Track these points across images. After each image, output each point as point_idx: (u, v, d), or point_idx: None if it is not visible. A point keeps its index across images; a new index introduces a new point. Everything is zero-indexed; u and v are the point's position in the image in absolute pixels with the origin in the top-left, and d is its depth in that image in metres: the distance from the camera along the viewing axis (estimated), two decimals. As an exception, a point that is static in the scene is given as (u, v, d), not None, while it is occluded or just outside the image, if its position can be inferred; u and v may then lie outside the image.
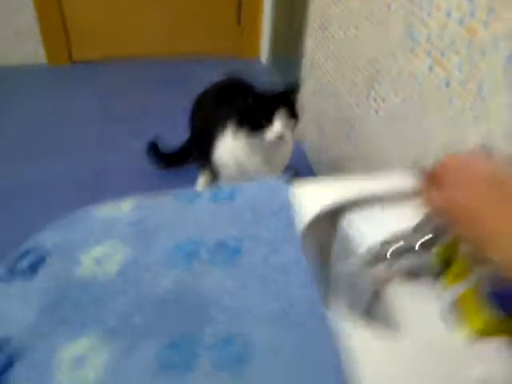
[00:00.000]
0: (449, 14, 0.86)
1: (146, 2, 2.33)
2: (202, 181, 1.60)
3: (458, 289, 0.60)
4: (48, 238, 0.66)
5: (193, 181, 1.65)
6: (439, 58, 0.89)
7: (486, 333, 0.57)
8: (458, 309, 0.60)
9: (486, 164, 0.49)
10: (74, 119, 2.00)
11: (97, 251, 0.64)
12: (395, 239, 0.64)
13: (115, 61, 2.42)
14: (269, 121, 1.14)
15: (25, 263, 0.62)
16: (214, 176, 1.45)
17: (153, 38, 2.44)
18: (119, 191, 1.55)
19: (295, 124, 1.18)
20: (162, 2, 2.35)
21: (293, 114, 1.17)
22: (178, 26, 2.43)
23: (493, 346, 0.56)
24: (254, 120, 1.15)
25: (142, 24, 2.39)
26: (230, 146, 1.25)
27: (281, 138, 1.15)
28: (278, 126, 1.13)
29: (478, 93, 0.78)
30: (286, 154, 1.30)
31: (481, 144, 0.78)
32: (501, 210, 0.45)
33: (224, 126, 1.27)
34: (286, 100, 1.17)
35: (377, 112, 1.17)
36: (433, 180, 0.51)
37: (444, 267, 0.64)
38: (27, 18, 2.21)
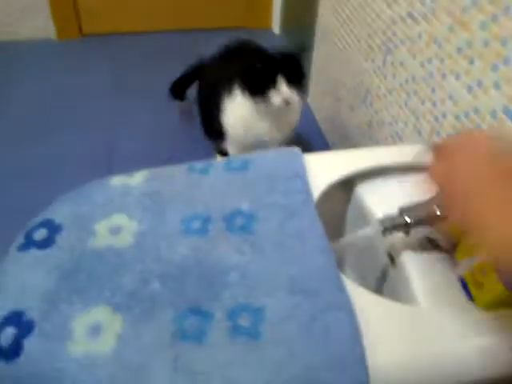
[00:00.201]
0: (470, -30, 0.82)
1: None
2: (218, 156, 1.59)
3: (470, 262, 0.59)
4: (63, 209, 0.66)
5: (206, 156, 1.64)
6: (460, 16, 0.86)
7: (495, 305, 0.56)
8: (469, 281, 0.59)
9: (492, 144, 0.47)
10: (85, 93, 1.99)
11: (111, 221, 0.64)
12: (413, 208, 0.63)
13: (125, 34, 2.40)
14: (275, 84, 1.12)
15: (41, 233, 0.62)
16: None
17: (162, 11, 2.40)
18: (132, 164, 1.56)
19: (302, 87, 1.16)
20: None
21: (300, 77, 1.15)
22: (185, 1, 2.38)
23: (502, 318, 0.55)
24: (259, 83, 1.14)
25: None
26: (237, 108, 1.24)
27: (287, 101, 1.13)
28: (284, 89, 1.12)
29: (502, 53, 0.75)
30: (294, 117, 1.29)
31: (504, 109, 0.76)
32: (493, 195, 0.44)
33: (231, 88, 1.25)
34: (292, 63, 1.15)
35: (394, 77, 1.14)
36: (441, 154, 0.51)
37: (458, 239, 0.63)
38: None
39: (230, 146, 1.37)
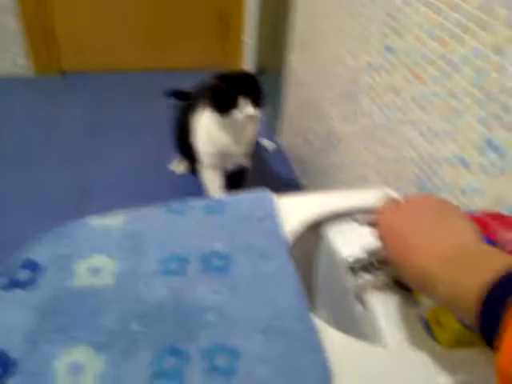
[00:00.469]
0: (420, 28, 0.90)
1: (134, 16, 2.36)
2: (179, 164, 1.78)
3: (429, 303, 0.63)
4: (45, 249, 0.68)
5: (180, 191, 1.68)
6: (415, 70, 0.94)
7: (457, 343, 0.60)
8: (431, 320, 0.64)
9: (441, 202, 0.52)
10: (63, 128, 2.01)
11: (91, 262, 0.66)
12: (378, 249, 0.67)
13: (105, 72, 2.44)
14: (237, 101, 1.25)
15: (23, 273, 0.63)
16: (191, 162, 1.59)
17: (142, 51, 2.48)
18: (105, 202, 1.58)
19: (261, 103, 1.31)
20: (148, 17, 2.38)
21: (259, 95, 1.30)
22: (162, 41, 2.47)
23: (463, 356, 0.59)
24: (223, 100, 1.27)
25: (130, 38, 2.43)
26: (204, 124, 1.38)
27: (250, 117, 1.27)
28: (247, 106, 1.26)
29: (452, 107, 0.83)
30: (253, 130, 1.45)
31: (456, 156, 0.83)
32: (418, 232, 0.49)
33: (199, 109, 1.40)
34: (252, 82, 1.29)
35: (360, 124, 1.22)
36: (392, 206, 0.56)
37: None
38: (11, 28, 2.22)
39: (204, 171, 1.49)
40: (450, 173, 0.85)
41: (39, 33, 2.26)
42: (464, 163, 0.81)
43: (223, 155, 1.43)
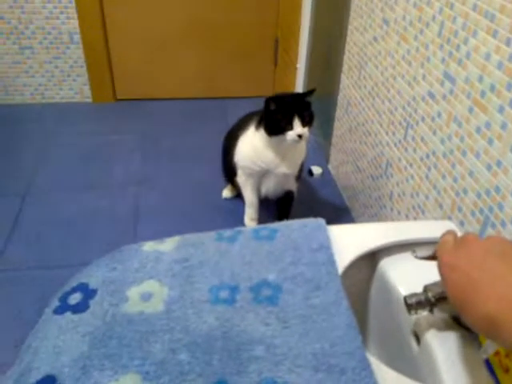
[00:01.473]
0: (487, 57, 0.87)
1: (186, 46, 2.44)
2: (226, 190, 1.81)
3: (493, 344, 0.59)
4: (97, 273, 0.69)
5: (229, 219, 1.69)
6: (479, 99, 0.90)
7: None
8: (494, 363, 0.59)
9: (502, 241, 0.49)
10: (116, 154, 2.08)
11: (143, 288, 0.67)
12: (437, 285, 0.64)
13: (156, 100, 2.53)
14: (289, 122, 1.28)
15: (76, 297, 0.64)
16: (238, 189, 1.62)
17: (192, 80, 2.54)
18: (157, 227, 1.61)
19: (311, 124, 1.32)
20: (201, 47, 2.45)
21: (310, 115, 1.31)
22: (216, 70, 2.53)
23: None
24: (275, 122, 1.29)
25: (182, 67, 2.49)
26: (250, 139, 1.40)
27: (300, 137, 1.29)
28: (297, 127, 1.28)
29: (520, 135, 0.79)
30: (301, 151, 1.45)
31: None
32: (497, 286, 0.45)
33: (247, 130, 1.43)
34: (303, 103, 1.31)
35: (415, 151, 1.18)
36: (454, 243, 0.53)
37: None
38: (76, 59, 2.35)
39: (239, 176, 1.53)
40: (515, 205, 0.80)
41: (98, 62, 2.38)
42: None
43: (268, 174, 1.44)
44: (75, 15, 2.23)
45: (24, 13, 2.19)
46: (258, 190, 1.54)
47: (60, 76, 2.40)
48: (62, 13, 2.22)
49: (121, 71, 2.46)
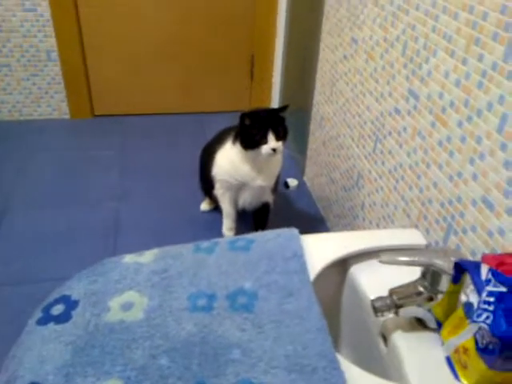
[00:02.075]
0: (446, 75, 0.93)
1: (163, 62, 2.47)
2: (204, 203, 1.84)
3: (453, 342, 0.64)
4: (79, 286, 0.71)
5: (209, 230, 1.72)
6: (440, 115, 0.96)
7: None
8: (455, 360, 0.64)
9: None
10: (94, 169, 2.09)
11: (123, 298, 0.70)
12: (401, 289, 0.68)
13: (134, 115, 2.55)
14: (264, 137, 1.33)
15: (59, 308, 0.67)
16: (216, 202, 1.65)
17: (169, 96, 2.57)
18: (137, 240, 1.63)
19: (286, 138, 1.38)
20: (178, 63, 2.49)
21: (284, 130, 1.37)
22: (193, 86, 2.57)
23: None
24: (250, 137, 1.35)
25: (159, 83, 2.52)
26: (227, 153, 1.45)
27: (275, 151, 1.34)
28: (271, 141, 1.33)
29: (477, 149, 0.84)
30: (276, 164, 1.51)
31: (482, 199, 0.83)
32: None
33: (223, 144, 1.48)
34: (277, 118, 1.37)
35: (384, 164, 1.24)
36: None
37: (443, 319, 0.68)
38: (54, 76, 2.37)
39: (217, 189, 1.57)
40: (475, 214, 0.85)
41: (76, 79, 2.40)
42: (489, 205, 0.81)
43: (245, 187, 1.48)
44: (53, 33, 2.25)
45: (1, 31, 2.21)
46: (236, 202, 1.58)
47: (38, 93, 2.40)
48: (39, 31, 2.24)
49: (98, 87, 2.48)
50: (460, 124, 0.90)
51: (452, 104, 0.92)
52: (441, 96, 0.96)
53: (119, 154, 2.22)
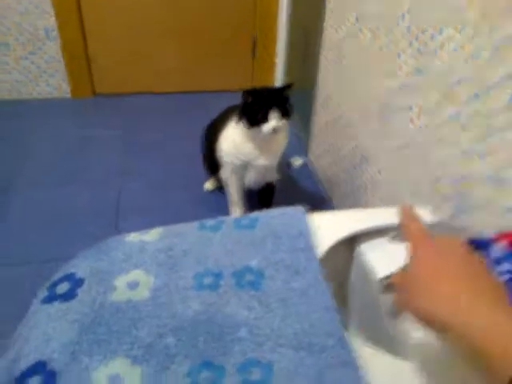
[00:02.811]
0: (455, 51, 0.91)
1: (165, 40, 2.43)
2: (208, 183, 1.83)
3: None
4: (84, 264, 0.70)
5: (211, 209, 1.71)
6: (448, 91, 0.94)
7: None
8: None
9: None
10: (97, 147, 2.08)
11: (129, 277, 0.69)
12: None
13: (136, 94, 2.52)
14: (265, 115, 1.30)
15: (64, 287, 0.66)
16: (220, 181, 1.65)
17: (171, 75, 2.54)
18: (140, 220, 1.62)
19: (289, 117, 1.35)
20: (180, 41, 2.45)
21: (287, 109, 1.34)
22: (195, 65, 2.54)
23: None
24: (252, 114, 1.32)
25: (161, 61, 2.49)
26: (231, 133, 1.43)
27: (276, 130, 1.32)
28: (273, 120, 1.30)
29: (489, 125, 0.82)
30: (281, 143, 1.47)
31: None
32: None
33: (227, 125, 1.46)
34: (280, 96, 1.34)
35: (390, 142, 1.22)
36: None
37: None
38: (53, 54, 2.33)
39: (223, 172, 1.55)
40: (486, 192, 0.84)
41: (76, 58, 2.36)
42: (500, 182, 0.80)
43: (247, 165, 1.46)
44: (51, 10, 2.21)
45: (-1, 9, 2.17)
46: (242, 187, 1.56)
47: (36, 72, 2.37)
48: (37, 8, 2.20)
49: (99, 66, 2.44)
50: (471, 99, 0.87)
51: (461, 80, 0.90)
52: (450, 71, 0.93)
53: (121, 133, 2.20)
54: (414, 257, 0.51)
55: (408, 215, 0.57)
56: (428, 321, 0.46)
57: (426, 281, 0.47)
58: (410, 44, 1.07)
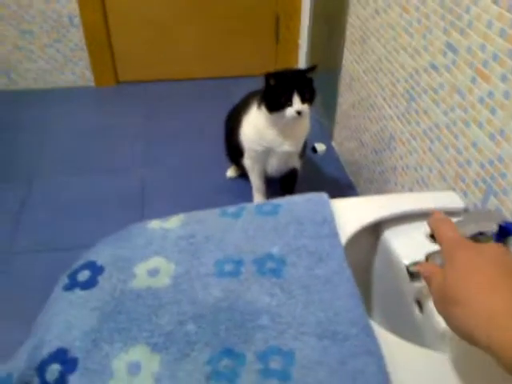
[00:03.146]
0: (490, 25, 0.86)
1: (187, 26, 2.41)
2: (231, 170, 1.81)
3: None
4: (105, 251, 0.70)
5: (234, 197, 1.70)
6: (482, 69, 0.89)
7: None
8: None
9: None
10: (120, 137, 2.09)
11: (150, 264, 0.68)
12: (439, 253, 0.64)
13: (158, 81, 2.52)
14: (288, 99, 1.27)
15: (84, 274, 0.66)
16: (242, 169, 1.63)
17: (193, 61, 2.52)
18: (162, 207, 1.63)
19: (312, 101, 1.32)
20: (202, 27, 2.43)
21: (311, 92, 1.30)
22: (217, 50, 2.51)
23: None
24: (275, 98, 1.29)
25: (183, 48, 2.47)
26: (253, 119, 1.41)
27: (299, 114, 1.28)
28: (296, 103, 1.27)
29: (522, 103, 0.78)
30: (303, 128, 1.44)
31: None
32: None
33: (249, 110, 1.43)
34: (304, 79, 1.30)
35: (418, 124, 1.17)
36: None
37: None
38: (77, 42, 2.34)
39: (246, 159, 1.53)
40: (518, 174, 0.80)
41: (99, 45, 2.37)
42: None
43: (269, 151, 1.43)
44: (74, -2, 2.22)
45: (23, -3, 2.18)
46: (264, 174, 1.54)
47: (62, 60, 2.39)
48: (60, -5, 2.21)
49: (122, 53, 2.45)
50: (504, 78, 0.83)
51: (495, 56, 0.85)
52: (483, 48, 0.89)
53: (145, 120, 2.21)
54: (450, 263, 0.48)
55: (439, 219, 0.54)
56: (463, 335, 0.45)
57: (463, 293, 0.45)
58: (443, 17, 1.02)
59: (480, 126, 0.91)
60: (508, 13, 0.81)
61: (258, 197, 1.60)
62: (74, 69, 2.42)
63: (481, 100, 0.90)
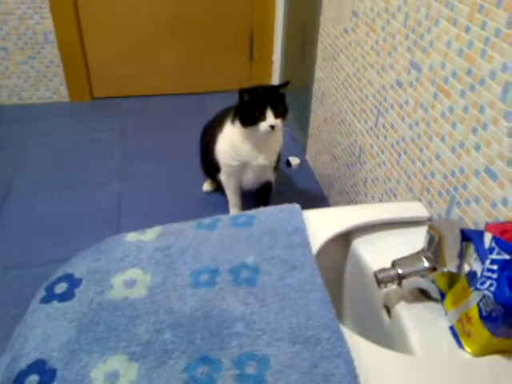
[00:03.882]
0: (449, 45, 0.91)
1: (162, 43, 2.44)
2: (206, 184, 1.83)
3: (456, 311, 0.64)
4: (82, 264, 0.72)
5: (209, 208, 1.72)
6: (443, 85, 0.95)
7: (485, 351, 0.60)
8: (458, 328, 0.64)
9: None
10: (95, 152, 2.09)
11: (126, 275, 0.70)
12: (404, 260, 0.68)
13: (134, 97, 2.53)
14: (262, 113, 1.31)
15: (62, 287, 0.67)
16: (218, 183, 1.65)
17: (168, 77, 2.55)
18: (138, 221, 1.63)
19: (285, 116, 1.36)
20: (177, 43, 2.46)
21: (283, 107, 1.35)
22: (192, 66, 2.55)
23: (492, 364, 0.59)
24: (249, 113, 1.33)
25: (158, 64, 2.50)
26: (227, 134, 1.44)
27: (272, 128, 1.32)
28: (270, 118, 1.31)
29: (480, 118, 0.83)
30: (277, 142, 1.49)
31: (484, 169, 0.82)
32: None
33: (223, 126, 1.47)
34: (276, 95, 1.35)
35: (386, 138, 1.22)
36: None
37: (446, 290, 0.68)
38: (52, 58, 2.34)
39: (222, 175, 1.56)
40: (478, 185, 0.85)
41: (74, 61, 2.37)
42: (492, 175, 0.81)
43: (247, 167, 1.47)
44: (49, 15, 2.22)
45: (-3, 14, 2.18)
46: (240, 190, 1.57)
47: (36, 76, 2.38)
48: (35, 13, 2.21)
49: (97, 69, 2.46)
50: (463, 94, 0.88)
51: (454, 74, 0.90)
52: (443, 66, 0.94)
53: (120, 136, 2.21)
54: None
55: None
56: None
57: None
58: (407, 37, 1.08)
59: (442, 139, 0.96)
60: (465, 33, 0.86)
61: (234, 211, 1.62)
62: (49, 85, 2.42)
63: (442, 114, 0.95)
